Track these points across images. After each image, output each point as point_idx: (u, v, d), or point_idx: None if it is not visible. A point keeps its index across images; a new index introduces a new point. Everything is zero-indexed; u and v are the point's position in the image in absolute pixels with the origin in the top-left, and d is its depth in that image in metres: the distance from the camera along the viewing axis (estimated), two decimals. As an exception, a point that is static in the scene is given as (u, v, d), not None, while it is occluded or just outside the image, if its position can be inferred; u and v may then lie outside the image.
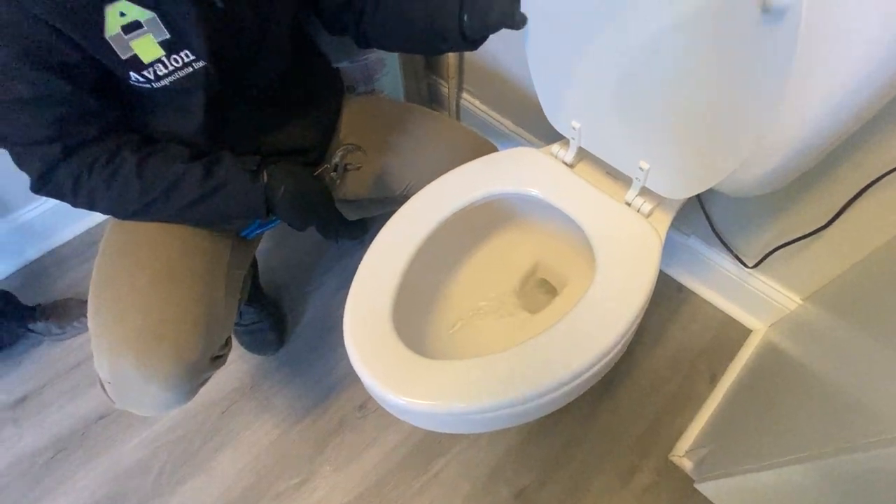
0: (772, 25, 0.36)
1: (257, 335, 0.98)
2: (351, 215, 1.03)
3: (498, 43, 1.02)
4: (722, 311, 1.00)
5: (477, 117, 1.24)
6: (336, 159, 0.71)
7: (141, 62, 0.51)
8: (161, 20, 0.50)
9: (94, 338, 0.56)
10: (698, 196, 0.87)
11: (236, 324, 0.97)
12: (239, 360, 0.99)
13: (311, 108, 0.74)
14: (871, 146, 0.61)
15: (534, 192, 0.66)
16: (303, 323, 1.04)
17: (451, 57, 1.14)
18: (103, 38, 0.48)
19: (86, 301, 1.05)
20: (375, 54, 1.00)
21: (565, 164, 0.68)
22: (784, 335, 0.88)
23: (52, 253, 1.18)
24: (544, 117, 0.68)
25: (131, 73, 0.51)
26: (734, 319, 0.99)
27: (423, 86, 1.25)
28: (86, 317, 1.03)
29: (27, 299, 1.01)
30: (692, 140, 0.51)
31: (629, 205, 0.63)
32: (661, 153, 0.56)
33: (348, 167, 0.72)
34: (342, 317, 1.03)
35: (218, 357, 0.62)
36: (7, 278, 1.12)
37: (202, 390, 0.79)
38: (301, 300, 1.08)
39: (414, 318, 0.60)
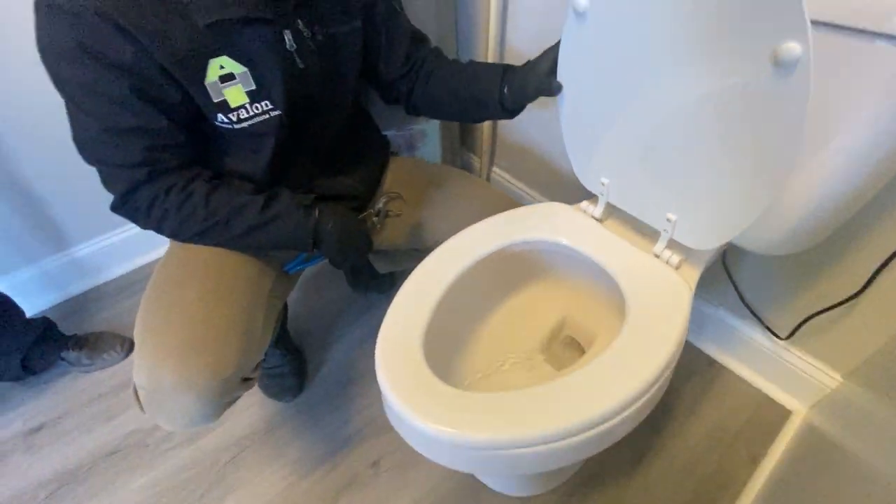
0: (783, 78, 0.41)
1: (277, 380, 0.98)
2: (382, 268, 1.08)
3: (528, 122, 1.13)
4: (758, 390, 0.95)
5: (507, 189, 1.32)
6: (379, 205, 0.77)
7: (228, 106, 0.59)
8: (251, 74, 0.59)
9: (139, 344, 0.58)
10: (725, 266, 0.88)
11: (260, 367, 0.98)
12: (255, 405, 0.98)
13: (360, 162, 0.82)
14: None
15: (563, 240, 0.69)
16: (323, 372, 1.04)
17: (485, 133, 1.25)
18: (203, 84, 0.57)
19: (118, 335, 1.09)
20: (419, 126, 1.12)
21: (595, 218, 0.72)
22: (825, 418, 0.82)
23: (94, 289, 1.24)
24: (571, 189, 0.73)
25: (219, 115, 0.60)
26: (772, 399, 0.94)
27: (457, 158, 1.35)
28: (116, 351, 1.06)
29: (65, 330, 1.05)
30: (716, 191, 0.55)
31: (658, 257, 0.65)
32: (686, 205, 0.59)
33: (389, 213, 0.78)
34: (362, 369, 1.03)
35: (248, 379, 0.63)
36: (50, 308, 1.17)
37: (212, 435, 0.80)
38: (324, 349, 1.08)
39: (442, 356, 0.60)
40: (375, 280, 1.17)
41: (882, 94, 0.47)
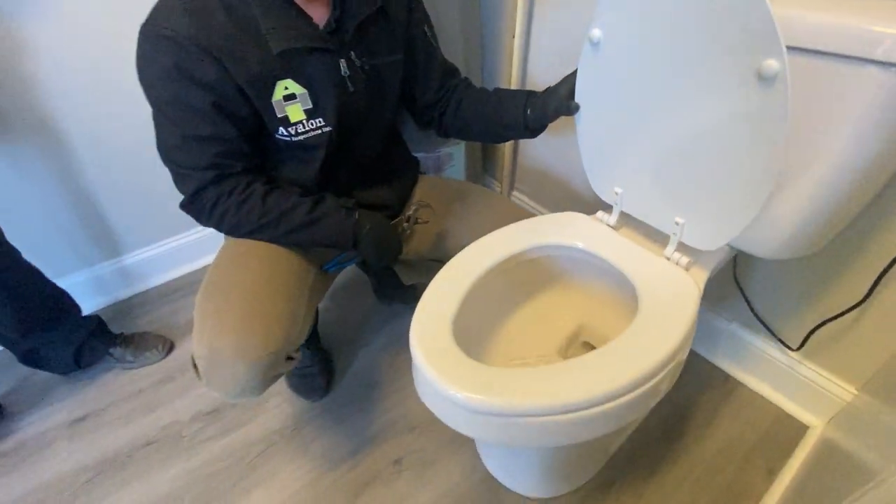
0: (767, 90, 0.48)
1: (307, 379, 1.03)
2: (407, 279, 1.15)
3: (545, 148, 1.22)
4: (774, 405, 0.97)
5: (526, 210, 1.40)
6: (410, 212, 0.85)
7: (289, 121, 0.69)
8: (309, 95, 0.69)
9: (199, 321, 0.66)
10: (737, 280, 0.93)
11: (290, 366, 1.04)
12: (284, 403, 1.03)
13: (393, 177, 0.91)
14: None
15: (580, 244, 0.75)
16: (349, 375, 1.09)
17: (506, 159, 1.34)
18: (270, 102, 0.67)
19: (160, 336, 1.17)
20: (446, 150, 1.21)
21: (610, 226, 0.78)
22: (842, 432, 0.83)
23: (139, 295, 1.34)
24: (585, 210, 0.81)
25: (280, 128, 0.70)
26: (789, 414, 0.95)
27: (480, 182, 1.44)
28: (158, 350, 1.14)
29: (111, 330, 1.14)
30: (718, 195, 0.61)
31: (668, 259, 0.70)
32: (692, 208, 0.65)
33: (418, 220, 0.85)
34: (386, 374, 1.08)
35: (290, 358, 0.69)
36: (99, 310, 1.26)
37: (243, 430, 0.86)
38: (350, 354, 1.13)
39: (467, 344, 0.65)
40: (400, 291, 1.24)
41: (867, 113, 0.53)
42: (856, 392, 0.85)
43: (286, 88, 0.67)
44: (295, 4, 0.64)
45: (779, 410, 0.96)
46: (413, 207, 0.86)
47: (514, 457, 0.85)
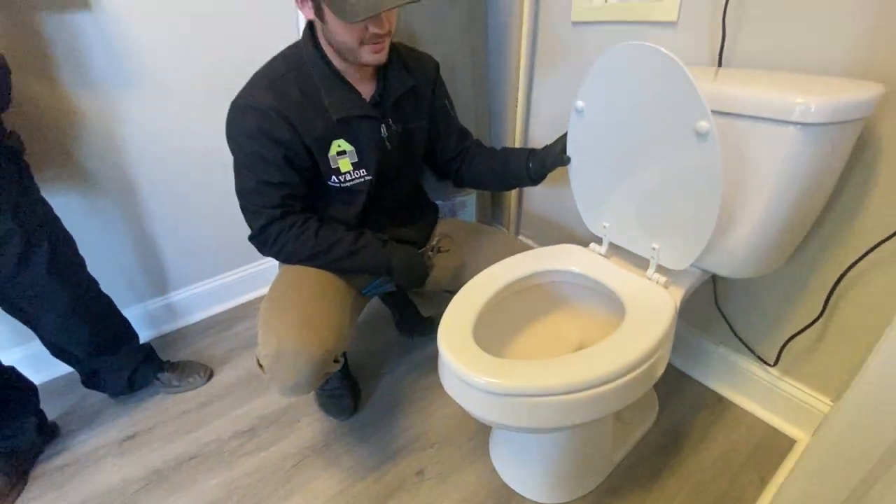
0: (702, 144, 0.65)
1: (336, 400, 1.14)
2: (426, 310, 1.29)
3: (546, 198, 1.40)
4: (763, 422, 1.05)
5: (530, 253, 1.55)
6: (433, 241, 1.00)
7: (339, 171, 0.88)
8: (356, 151, 0.88)
9: (265, 326, 0.80)
10: (718, 306, 1.06)
11: (321, 388, 1.16)
12: (315, 423, 1.13)
13: (417, 218, 1.08)
14: (842, 234, 0.82)
15: (575, 269, 0.90)
16: (373, 398, 1.19)
17: (512, 207, 1.52)
18: (327, 156, 0.86)
19: (202, 364, 1.30)
20: (460, 198, 1.40)
21: (601, 255, 0.93)
22: (824, 444, 0.92)
23: (182, 329, 1.48)
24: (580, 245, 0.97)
25: (332, 177, 0.88)
26: (777, 430, 1.04)
27: (490, 226, 1.61)
28: (200, 376, 1.27)
29: (161, 356, 1.27)
30: (680, 224, 0.76)
31: (650, 279, 0.85)
32: (664, 236, 0.80)
33: (441, 249, 1.00)
34: (407, 397, 1.19)
35: (336, 361, 0.83)
36: (146, 342, 1.39)
37: (278, 446, 1.03)
38: (375, 380, 1.25)
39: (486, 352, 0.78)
40: (419, 324, 1.37)
41: (788, 158, 0.69)
42: (831, 403, 0.94)
43: (339, 146, 0.87)
44: (348, 83, 0.85)
45: (767, 427, 1.05)
46: (437, 238, 1.02)
47: (526, 464, 0.94)
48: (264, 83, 0.80)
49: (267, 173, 0.82)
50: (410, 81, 0.91)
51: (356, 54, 0.78)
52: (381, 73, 0.88)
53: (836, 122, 0.65)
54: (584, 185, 0.92)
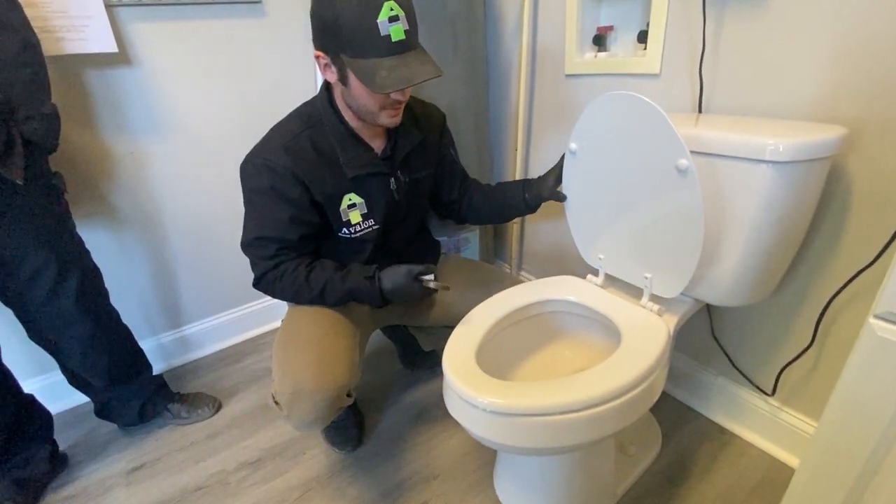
0: (683, 179, 0.72)
1: (342, 431, 1.15)
2: (427, 345, 1.32)
3: (544, 236, 1.47)
4: (766, 454, 1.05)
5: (532, 288, 1.60)
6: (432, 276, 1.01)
7: (350, 223, 0.93)
8: (366, 203, 0.93)
9: (280, 365, 0.84)
10: (716, 338, 1.09)
11: (327, 420, 1.17)
12: (320, 455, 1.14)
13: (421, 256, 1.13)
14: (825, 263, 0.87)
15: (572, 298, 0.95)
16: (378, 430, 1.21)
17: (513, 245, 1.59)
18: (338, 210, 0.91)
19: (211, 396, 1.32)
20: (463, 235, 1.47)
21: (597, 285, 0.98)
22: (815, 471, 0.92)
23: (192, 363, 1.51)
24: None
25: (343, 229, 0.93)
26: (780, 462, 1.04)
27: (492, 263, 1.67)
28: (209, 408, 1.30)
29: (171, 388, 1.30)
30: (669, 254, 0.82)
31: (644, 307, 0.89)
32: (655, 266, 0.86)
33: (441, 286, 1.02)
34: (411, 430, 1.20)
35: (349, 395, 0.87)
36: (160, 374, 1.42)
37: (283, 478, 1.08)
38: (379, 412, 1.26)
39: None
40: (421, 358, 1.39)
41: (764, 193, 0.75)
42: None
43: (350, 199, 0.91)
44: (362, 140, 0.90)
45: (771, 458, 1.05)
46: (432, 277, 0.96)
47: (530, 496, 0.95)
48: (280, 142, 0.84)
49: (267, 229, 0.86)
50: (419, 137, 0.96)
51: (375, 117, 0.83)
52: (391, 129, 0.92)
53: (803, 160, 0.72)
54: (579, 220, 0.98)
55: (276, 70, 1.39)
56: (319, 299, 0.91)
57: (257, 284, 0.92)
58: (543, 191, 0.99)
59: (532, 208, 1.02)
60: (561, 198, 0.98)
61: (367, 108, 0.82)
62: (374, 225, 0.95)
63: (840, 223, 0.84)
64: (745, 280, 0.83)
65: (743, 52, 0.88)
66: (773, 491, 0.98)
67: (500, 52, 1.43)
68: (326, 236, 0.95)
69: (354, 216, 0.92)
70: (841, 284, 0.83)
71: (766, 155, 0.72)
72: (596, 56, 1.18)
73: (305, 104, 0.91)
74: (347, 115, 0.87)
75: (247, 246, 0.90)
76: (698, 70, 0.94)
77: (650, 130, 0.76)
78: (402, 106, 0.85)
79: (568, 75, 1.25)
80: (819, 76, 0.80)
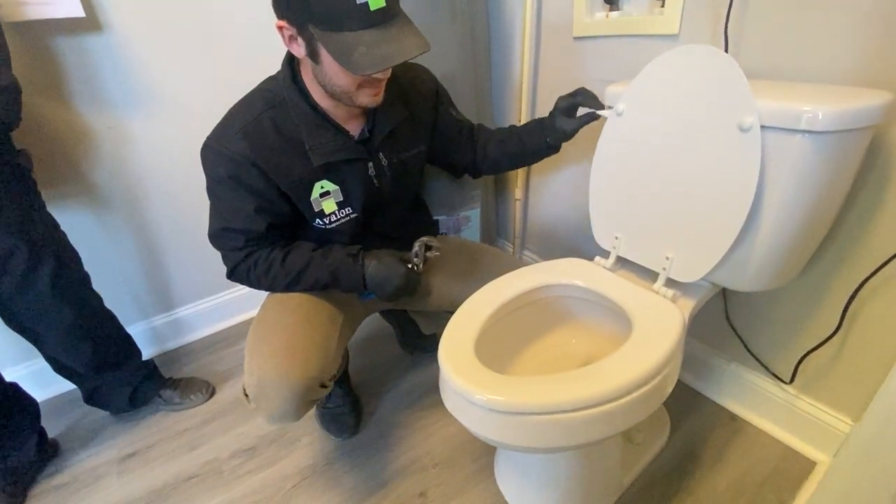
0: (745, 136, 0.66)
1: (338, 418, 1.12)
2: (427, 328, 1.26)
3: (549, 215, 1.39)
4: (780, 442, 1.01)
5: (536, 268, 1.54)
6: (415, 248, 0.91)
7: (324, 213, 0.84)
8: (341, 190, 0.84)
9: (250, 354, 0.79)
10: (730, 321, 1.03)
11: (323, 406, 1.14)
12: (316, 442, 1.11)
13: (414, 237, 1.04)
14: (857, 244, 0.79)
15: (579, 282, 0.88)
16: (375, 417, 1.17)
17: (517, 223, 1.51)
18: (309, 199, 0.82)
19: (204, 381, 1.28)
20: (464, 213, 1.39)
21: (606, 268, 0.91)
22: (846, 467, 0.88)
23: (186, 346, 1.47)
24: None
25: (316, 219, 0.85)
26: (795, 451, 0.99)
27: (494, 243, 1.60)
28: (202, 393, 1.26)
29: (162, 374, 1.26)
30: (703, 228, 0.75)
31: (657, 293, 0.82)
32: (681, 243, 0.79)
33: (430, 249, 0.90)
34: (409, 416, 1.16)
35: (324, 386, 0.81)
36: (150, 358, 1.39)
37: (278, 466, 1.03)
38: (376, 398, 1.22)
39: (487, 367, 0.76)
40: (421, 341, 1.34)
41: (797, 166, 0.67)
42: (851, 423, 0.90)
43: (322, 187, 0.82)
44: (334, 122, 0.78)
45: (785, 447, 1.00)
46: (417, 245, 0.90)
47: (532, 487, 0.91)
48: (239, 126, 0.75)
49: (233, 220, 0.79)
50: (403, 113, 0.86)
51: (352, 98, 0.73)
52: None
53: (843, 129, 0.63)
54: (603, 192, 0.91)
55: (260, 37, 1.29)
56: (297, 285, 0.84)
57: (231, 276, 0.85)
58: (568, 130, 0.89)
59: (556, 149, 0.95)
60: (599, 114, 0.86)
61: (343, 88, 0.72)
62: (351, 214, 0.86)
63: (876, 200, 0.77)
64: (769, 264, 0.75)
65: (776, 6, 0.78)
66: (786, 481, 0.94)
67: (502, 13, 1.31)
68: (301, 226, 0.87)
69: (328, 205, 0.83)
70: (874, 267, 0.76)
71: (801, 124, 0.64)
72: (608, 16, 1.07)
73: (269, 79, 0.81)
74: (316, 95, 0.77)
75: (214, 238, 0.82)
76: (723, 29, 0.84)
77: (716, 86, 0.70)
78: (384, 84, 0.75)
79: (576, 38, 1.15)
80: (863, 32, 0.70)
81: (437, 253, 0.91)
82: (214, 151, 0.76)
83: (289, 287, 0.85)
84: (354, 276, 0.85)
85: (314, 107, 0.77)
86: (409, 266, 0.89)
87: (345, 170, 0.82)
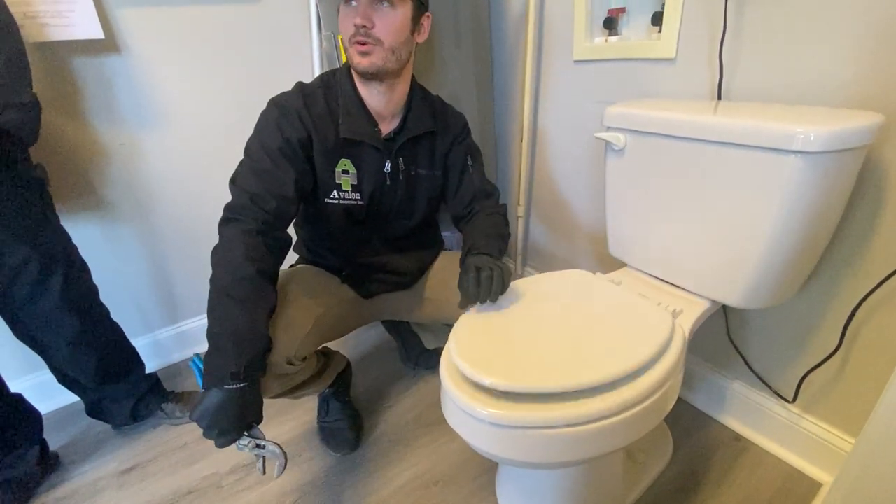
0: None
1: (337, 433, 1.11)
2: (430, 343, 1.27)
3: (549, 235, 1.41)
4: (784, 462, 1.00)
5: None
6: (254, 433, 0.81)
7: (341, 187, 0.89)
8: (357, 174, 0.90)
9: None
10: (731, 339, 1.03)
11: (322, 421, 1.14)
12: (316, 458, 1.10)
13: (418, 250, 1.07)
14: (856, 262, 0.80)
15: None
16: (376, 433, 1.16)
17: (519, 240, 1.53)
18: (333, 170, 0.88)
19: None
20: (465, 230, 1.41)
21: (608, 282, 0.92)
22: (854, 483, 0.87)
23: (189, 359, 1.47)
24: None
25: (333, 191, 0.89)
26: (800, 471, 0.98)
27: (496, 260, 1.62)
28: (203, 406, 1.22)
29: (164, 388, 1.26)
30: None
31: (657, 307, 0.83)
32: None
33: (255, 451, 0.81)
34: (411, 432, 1.16)
35: (291, 364, 0.84)
36: (154, 372, 1.39)
37: (277, 482, 1.03)
38: (377, 414, 1.22)
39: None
40: (424, 356, 1.35)
41: (790, 185, 0.69)
42: (853, 442, 0.89)
43: (344, 164, 0.89)
44: (368, 112, 0.87)
45: (789, 468, 0.99)
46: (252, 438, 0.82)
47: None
48: (297, 89, 0.87)
49: (259, 163, 0.81)
50: (430, 126, 0.93)
51: (350, 57, 0.82)
52: (404, 113, 0.91)
53: (836, 150, 0.65)
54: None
55: (271, 58, 1.34)
56: (211, 291, 0.82)
57: (220, 226, 0.83)
58: (463, 278, 0.86)
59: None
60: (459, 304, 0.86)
61: (345, 43, 0.82)
62: (359, 200, 0.92)
63: (872, 219, 0.78)
64: (767, 281, 0.76)
65: (769, 32, 0.81)
66: (791, 502, 0.93)
67: (505, 38, 1.36)
68: (312, 202, 0.92)
69: (345, 182, 0.90)
70: (872, 286, 0.77)
71: (794, 144, 0.66)
72: (607, 40, 1.11)
73: (329, 70, 0.92)
74: (356, 79, 0.88)
75: (239, 174, 0.82)
76: (718, 53, 0.87)
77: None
78: (369, 46, 0.78)
79: (577, 61, 1.19)
80: (854, 55, 0.73)
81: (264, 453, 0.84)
82: (273, 104, 0.85)
83: (211, 282, 0.83)
84: (215, 367, 0.79)
85: (355, 89, 0.88)
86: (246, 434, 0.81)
87: (364, 157, 0.89)
